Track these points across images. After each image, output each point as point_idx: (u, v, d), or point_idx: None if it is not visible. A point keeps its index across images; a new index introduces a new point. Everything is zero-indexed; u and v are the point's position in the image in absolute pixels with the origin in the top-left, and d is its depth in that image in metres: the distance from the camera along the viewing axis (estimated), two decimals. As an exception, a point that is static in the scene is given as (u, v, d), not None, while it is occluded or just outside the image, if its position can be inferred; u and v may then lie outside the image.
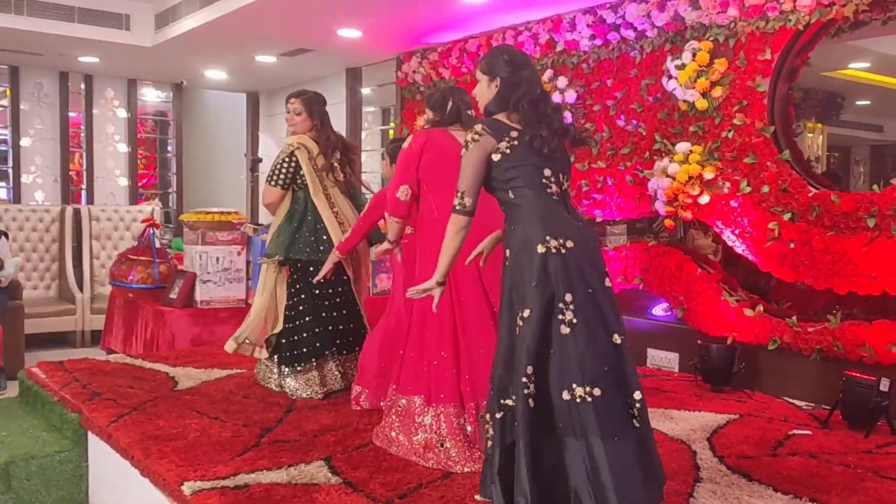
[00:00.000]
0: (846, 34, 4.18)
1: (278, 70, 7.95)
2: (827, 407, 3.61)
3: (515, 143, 2.39)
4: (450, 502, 2.57)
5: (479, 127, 2.41)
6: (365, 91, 7.97)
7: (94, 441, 3.49)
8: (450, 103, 3.21)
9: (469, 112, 3.22)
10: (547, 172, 2.39)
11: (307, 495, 2.60)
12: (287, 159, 3.86)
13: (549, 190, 2.39)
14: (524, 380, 2.23)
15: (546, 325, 2.25)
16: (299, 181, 3.88)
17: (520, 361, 2.25)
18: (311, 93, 4.01)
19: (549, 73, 5.33)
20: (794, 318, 3.99)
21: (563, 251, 2.28)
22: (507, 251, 2.40)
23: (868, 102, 9.07)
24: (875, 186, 3.72)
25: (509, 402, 2.27)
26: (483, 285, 3.01)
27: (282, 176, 3.86)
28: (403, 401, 3.09)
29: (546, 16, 5.38)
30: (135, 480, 2.99)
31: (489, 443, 2.35)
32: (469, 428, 2.96)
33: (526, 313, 2.26)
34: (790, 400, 3.96)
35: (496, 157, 2.39)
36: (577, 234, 2.33)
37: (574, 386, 2.21)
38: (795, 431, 3.39)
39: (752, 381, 4.15)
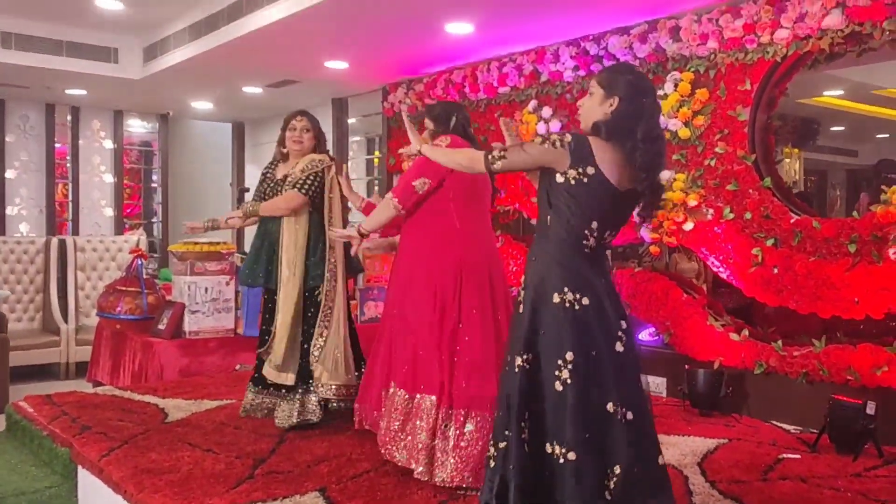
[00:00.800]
0: (822, 65, 4.30)
1: (264, 100, 8.01)
2: (814, 430, 3.66)
3: (584, 180, 2.19)
4: (446, 531, 2.58)
5: (569, 137, 2.20)
6: (350, 121, 8.04)
7: (84, 476, 3.46)
8: (453, 118, 3.21)
9: (472, 128, 3.24)
10: (594, 226, 2.22)
11: (304, 527, 2.60)
12: (320, 174, 3.82)
13: (584, 242, 2.22)
14: (522, 423, 2.19)
15: (545, 375, 2.18)
16: (317, 200, 3.84)
17: (517, 404, 2.20)
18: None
19: (533, 103, 5.43)
20: (780, 342, 4.06)
21: (577, 307, 2.18)
22: (524, 282, 2.29)
23: (842, 128, 9.29)
24: (855, 213, 3.81)
25: (505, 441, 2.23)
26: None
27: (313, 187, 3.80)
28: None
29: (530, 48, 5.49)
30: (127, 515, 2.98)
31: (492, 463, 2.28)
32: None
33: (528, 356, 2.20)
34: (778, 424, 4.01)
35: (559, 179, 2.21)
36: (594, 292, 2.20)
37: (555, 443, 2.16)
38: (785, 455, 3.44)
39: (740, 405, 4.21)
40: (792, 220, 4.02)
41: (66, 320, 7.27)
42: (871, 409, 3.43)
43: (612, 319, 2.21)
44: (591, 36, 5.03)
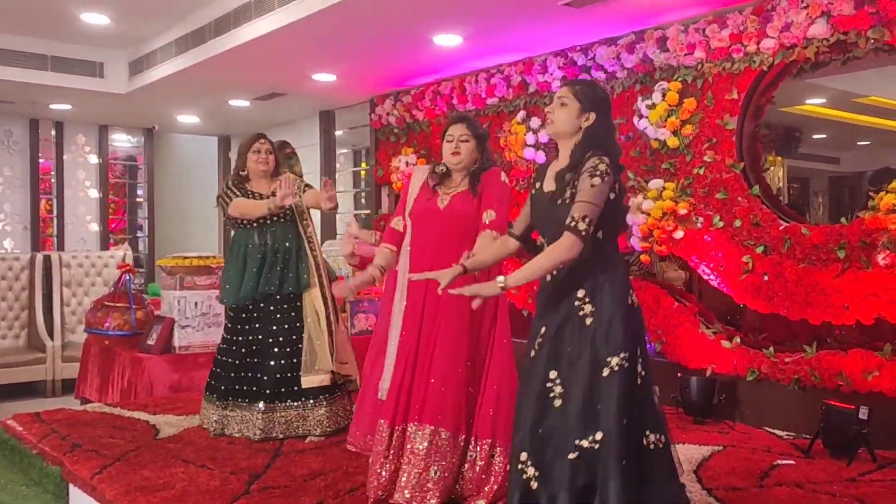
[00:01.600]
0: (807, 73, 4.36)
1: (251, 113, 8.00)
2: (807, 436, 3.68)
3: (620, 195, 2.34)
4: (446, 544, 2.57)
5: (607, 167, 2.24)
6: (338, 133, 8.05)
7: (76, 494, 3.42)
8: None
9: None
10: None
11: (302, 542, 2.58)
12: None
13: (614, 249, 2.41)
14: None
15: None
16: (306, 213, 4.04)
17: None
18: None
19: (521, 114, 5.45)
20: (772, 348, 4.08)
21: (636, 305, 2.35)
22: (596, 299, 2.28)
23: (825, 136, 9.39)
24: (843, 219, 3.85)
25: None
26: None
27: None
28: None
29: (518, 59, 5.52)
30: (121, 533, 2.94)
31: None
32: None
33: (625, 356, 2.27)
34: (771, 430, 4.03)
35: (612, 196, 2.28)
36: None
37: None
38: (780, 462, 3.45)
39: (733, 412, 4.22)
40: (781, 227, 4.06)
41: (51, 337, 7.18)
42: (863, 413, 3.45)
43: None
44: (579, 46, 5.07)
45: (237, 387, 3.90)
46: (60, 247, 8.44)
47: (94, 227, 8.69)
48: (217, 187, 9.70)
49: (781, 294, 3.98)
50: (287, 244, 3.95)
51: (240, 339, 3.94)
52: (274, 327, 3.90)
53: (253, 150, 4.00)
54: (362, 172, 8.65)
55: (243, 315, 3.95)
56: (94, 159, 8.73)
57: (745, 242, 4.17)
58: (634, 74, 4.78)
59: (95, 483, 3.21)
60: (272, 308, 3.91)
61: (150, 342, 5.23)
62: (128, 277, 5.75)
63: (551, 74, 5.25)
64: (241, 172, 4.06)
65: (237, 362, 3.92)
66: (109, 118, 8.59)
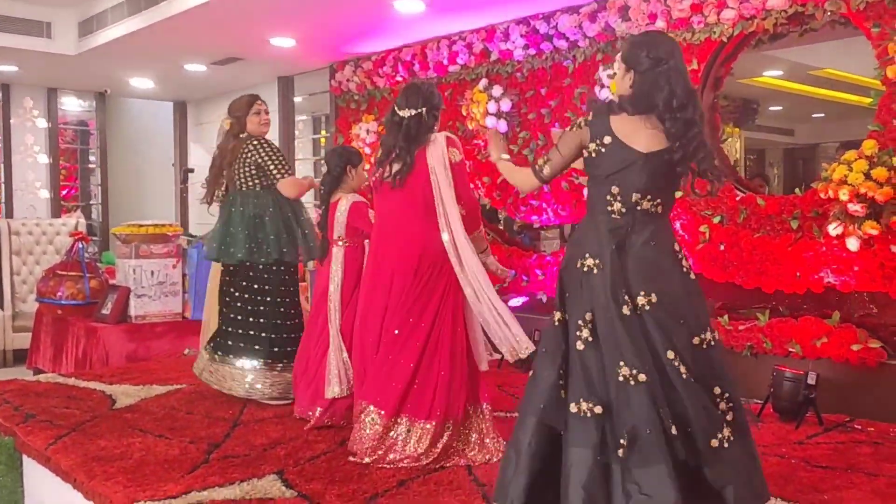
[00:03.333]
0: (765, 45, 4.41)
1: (208, 78, 7.80)
2: (758, 401, 3.78)
3: (602, 150, 2.28)
4: (407, 510, 2.59)
5: (588, 116, 2.32)
6: (297, 99, 7.90)
7: (30, 465, 3.37)
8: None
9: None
10: (615, 190, 2.27)
11: (263, 510, 2.58)
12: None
13: (608, 208, 2.28)
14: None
15: (571, 335, 2.29)
16: None
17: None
18: None
19: (483, 81, 5.42)
20: (726, 316, 4.17)
21: (584, 270, 2.29)
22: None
23: (780, 108, 9.55)
24: (797, 190, 3.93)
25: None
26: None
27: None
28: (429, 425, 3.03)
29: (480, 26, 5.47)
30: (77, 504, 2.90)
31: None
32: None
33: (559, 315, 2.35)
34: (724, 395, 4.13)
35: (585, 154, 2.34)
36: (601, 257, 2.27)
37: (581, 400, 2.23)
38: (731, 425, 3.54)
39: (688, 379, 4.31)
40: (737, 198, 4.12)
41: (1, 306, 7.01)
42: (812, 378, 3.56)
43: (617, 285, 2.24)
44: (541, 14, 5.04)
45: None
46: (9, 214, 8.18)
47: (45, 193, 8.42)
48: (174, 154, 9.48)
49: (737, 263, 4.06)
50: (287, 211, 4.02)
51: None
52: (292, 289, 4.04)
53: (254, 112, 3.96)
54: (322, 140, 8.54)
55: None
56: (42, 123, 8.42)
57: (703, 213, 4.23)
58: (596, 43, 4.77)
59: (50, 454, 3.16)
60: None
61: (105, 311, 5.14)
62: (81, 246, 5.62)
63: (513, 42, 5.21)
64: (239, 134, 3.97)
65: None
66: (58, 81, 8.30)
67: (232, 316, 3.95)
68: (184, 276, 5.30)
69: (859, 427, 3.54)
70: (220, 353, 3.93)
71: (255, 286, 3.90)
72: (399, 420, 3.02)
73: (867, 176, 3.43)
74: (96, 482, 2.83)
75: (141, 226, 5.21)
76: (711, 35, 4.21)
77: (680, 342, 2.24)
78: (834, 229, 3.57)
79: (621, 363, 2.19)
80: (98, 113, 9.05)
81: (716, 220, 4.16)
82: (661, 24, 4.38)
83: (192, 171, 7.52)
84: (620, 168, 2.28)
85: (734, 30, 4.11)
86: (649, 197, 2.29)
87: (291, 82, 7.71)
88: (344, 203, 3.63)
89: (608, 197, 2.29)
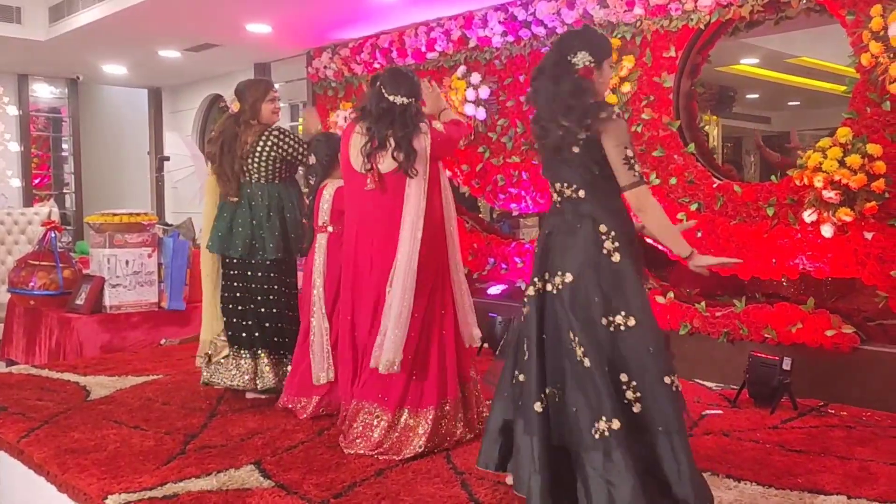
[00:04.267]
0: (742, 33, 4.41)
1: (183, 65, 7.70)
2: (735, 387, 3.81)
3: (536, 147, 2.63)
4: (385, 498, 2.58)
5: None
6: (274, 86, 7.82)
7: (2, 458, 3.30)
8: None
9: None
10: (551, 182, 2.54)
11: (240, 501, 2.56)
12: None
13: (553, 198, 2.54)
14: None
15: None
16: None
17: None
18: None
19: (462, 69, 5.39)
20: (703, 303, 4.20)
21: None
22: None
23: (757, 96, 9.61)
24: (773, 177, 3.95)
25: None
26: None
27: None
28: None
29: (458, 12, 5.43)
30: (51, 498, 2.86)
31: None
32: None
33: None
34: (701, 382, 4.16)
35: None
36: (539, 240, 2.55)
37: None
38: (708, 412, 3.58)
39: (665, 365, 4.34)
40: (715, 185, 4.14)
41: (-28, 297, 6.89)
42: (787, 364, 3.59)
43: (538, 265, 2.50)
44: (520, 1, 5.01)
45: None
46: (-21, 203, 8.04)
47: (16, 182, 8.28)
48: (149, 142, 9.35)
49: (714, 250, 4.08)
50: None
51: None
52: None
53: (268, 100, 3.72)
54: (300, 128, 8.47)
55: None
56: (13, 111, 8.27)
57: (680, 200, 4.25)
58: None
59: (23, 446, 3.12)
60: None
61: (79, 302, 5.07)
62: (53, 235, 5.52)
63: (491, 29, 5.19)
64: (250, 121, 3.71)
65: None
66: (29, 67, 8.15)
67: (237, 308, 3.81)
68: (159, 265, 5.23)
69: (833, 411, 3.59)
70: (235, 346, 3.81)
71: (258, 279, 3.78)
72: (401, 412, 3.01)
73: (841, 163, 3.46)
74: (70, 475, 2.79)
75: (115, 214, 5.13)
76: (689, 22, 4.21)
77: (586, 324, 2.32)
78: (809, 216, 3.61)
79: (525, 339, 2.44)
80: (70, 100, 8.90)
81: (693, 207, 4.18)
82: (639, 10, 4.38)
83: (167, 159, 7.43)
84: (547, 162, 2.53)
85: (711, 17, 4.12)
86: (566, 184, 2.45)
87: (268, 69, 7.63)
88: (329, 188, 3.59)
89: (551, 189, 2.54)
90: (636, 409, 2.28)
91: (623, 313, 2.32)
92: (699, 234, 4.13)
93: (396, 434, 2.98)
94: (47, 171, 9.19)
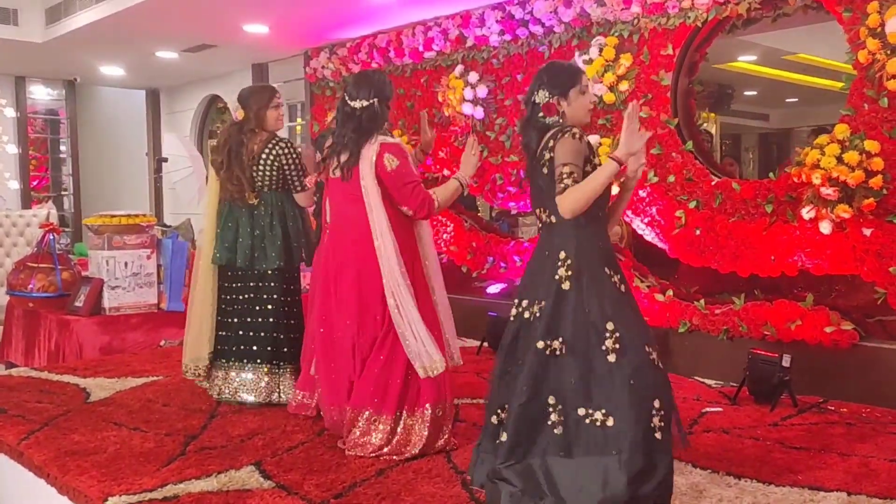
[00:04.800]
0: (739, 30, 4.41)
1: (180, 66, 7.70)
2: (734, 384, 3.82)
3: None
4: (385, 498, 2.58)
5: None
6: (272, 87, 7.82)
7: (2, 461, 3.30)
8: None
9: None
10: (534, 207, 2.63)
11: (240, 502, 2.56)
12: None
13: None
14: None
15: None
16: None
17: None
18: None
19: (459, 68, 5.39)
20: (702, 301, 4.20)
21: None
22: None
23: (755, 93, 9.61)
24: (771, 174, 3.95)
25: None
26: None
27: None
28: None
29: (455, 11, 5.43)
30: (51, 500, 2.86)
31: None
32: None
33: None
34: (701, 379, 4.16)
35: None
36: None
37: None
38: (708, 409, 3.58)
39: (665, 363, 4.27)
40: (713, 183, 4.14)
41: (-29, 300, 6.88)
42: (786, 361, 3.59)
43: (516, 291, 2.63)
44: (517, 0, 5.01)
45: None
46: (-22, 205, 8.04)
47: (14, 184, 8.29)
48: (147, 143, 9.34)
49: (713, 248, 4.09)
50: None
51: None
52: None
53: (273, 106, 3.71)
54: (298, 128, 8.46)
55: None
56: (10, 113, 8.28)
57: (679, 198, 4.25)
58: (572, 29, 4.76)
59: (23, 449, 3.11)
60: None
61: (78, 304, 5.07)
62: (52, 237, 5.52)
63: (489, 28, 5.19)
64: (255, 129, 3.70)
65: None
66: (26, 69, 8.15)
67: (233, 321, 3.77)
68: (158, 266, 5.22)
69: (833, 408, 3.59)
70: (225, 359, 3.77)
71: (259, 289, 3.75)
72: (400, 414, 3.00)
73: (839, 160, 3.46)
74: (70, 477, 2.79)
75: (113, 216, 5.12)
76: (686, 20, 4.21)
77: (528, 346, 2.43)
78: (807, 213, 3.61)
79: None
80: (68, 101, 8.90)
81: (691, 205, 4.18)
82: (636, 8, 4.38)
83: (165, 160, 7.42)
84: (532, 191, 2.59)
85: (708, 15, 4.12)
86: (542, 210, 2.54)
87: (266, 69, 7.63)
88: None
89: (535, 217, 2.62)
90: (557, 431, 2.36)
91: (560, 339, 2.38)
92: (697, 232, 4.13)
93: (397, 438, 2.98)
94: (45, 172, 9.19)
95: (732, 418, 3.45)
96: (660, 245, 4.43)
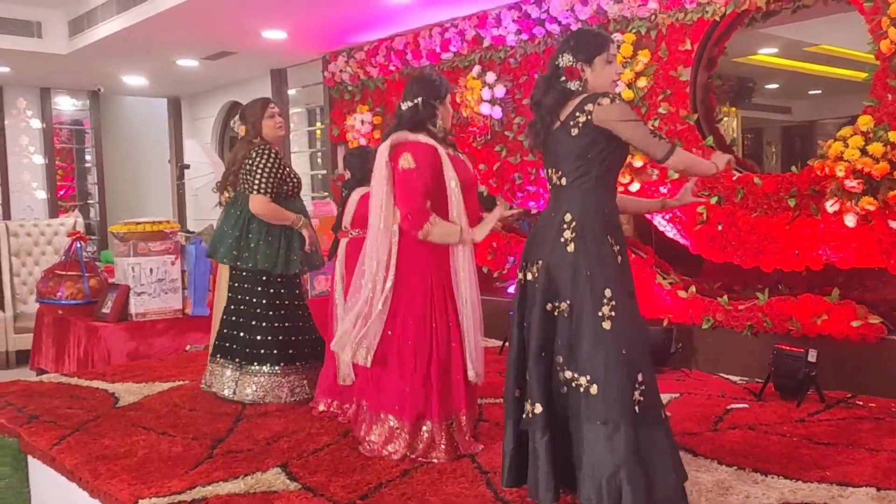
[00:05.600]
0: (759, 23, 4.38)
1: (201, 74, 7.78)
2: (759, 380, 3.79)
3: None
4: (410, 499, 2.59)
5: None
6: (291, 92, 7.89)
7: (35, 465, 3.37)
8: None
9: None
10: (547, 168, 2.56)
11: (267, 504, 2.59)
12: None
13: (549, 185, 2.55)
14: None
15: None
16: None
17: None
18: None
19: (477, 68, 5.39)
20: (726, 297, 4.17)
21: None
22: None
23: (777, 86, 9.50)
24: (794, 168, 3.91)
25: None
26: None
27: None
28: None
29: (472, 12, 5.44)
30: (83, 503, 2.91)
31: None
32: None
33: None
34: (725, 375, 4.14)
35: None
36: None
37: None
38: (733, 406, 3.55)
39: (689, 360, 4.32)
40: (734, 178, 4.11)
41: (2, 308, 7.01)
42: (812, 356, 3.56)
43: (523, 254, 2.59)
44: (533, -1, 5.02)
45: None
46: (7, 215, 8.19)
47: (42, 194, 8.43)
48: (169, 151, 9.46)
49: (735, 243, 4.06)
50: None
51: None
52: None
53: (268, 116, 3.84)
54: (317, 132, 8.52)
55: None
56: (36, 124, 8.43)
57: (700, 193, 4.21)
58: (588, 26, 4.74)
59: (55, 454, 3.17)
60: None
61: (106, 310, 5.14)
62: (79, 245, 5.61)
63: (506, 28, 5.19)
64: (252, 140, 3.85)
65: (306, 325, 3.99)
66: (51, 80, 8.28)
67: (233, 320, 3.94)
68: (183, 272, 5.29)
69: (861, 403, 3.55)
70: (220, 356, 3.97)
71: (247, 290, 3.90)
72: (423, 423, 2.99)
73: (863, 152, 3.43)
74: (101, 481, 2.83)
75: (138, 223, 5.20)
76: (704, 14, 4.19)
77: (536, 308, 2.41)
78: (831, 206, 3.57)
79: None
80: (92, 111, 9.04)
81: (713, 200, 4.15)
82: (653, 4, 4.36)
83: (188, 167, 7.49)
84: (547, 148, 2.53)
85: (727, 9, 4.09)
86: (554, 169, 2.49)
87: (285, 74, 7.69)
88: (354, 195, 3.64)
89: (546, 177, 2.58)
90: (563, 390, 2.35)
91: (567, 301, 2.36)
92: (720, 227, 4.11)
93: (421, 445, 2.98)
94: (71, 182, 9.33)
95: (758, 415, 3.43)
96: (682, 241, 4.41)
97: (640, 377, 2.29)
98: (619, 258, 2.41)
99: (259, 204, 3.75)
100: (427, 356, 2.98)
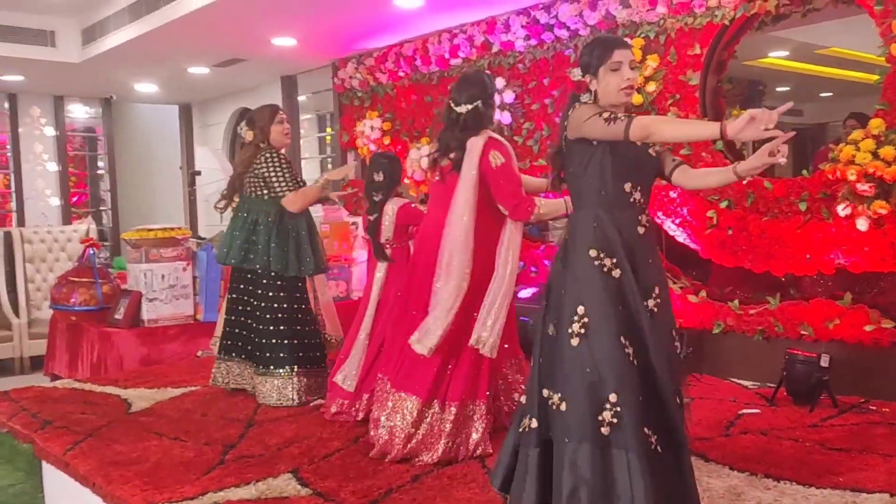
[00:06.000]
0: (768, 26, 4.37)
1: (211, 81, 7.83)
2: (771, 385, 3.77)
3: None
4: (421, 505, 2.60)
5: None
6: (301, 98, 7.93)
7: (49, 471, 3.40)
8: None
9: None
10: None
11: (279, 509, 2.60)
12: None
13: None
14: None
15: None
16: None
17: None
18: None
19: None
20: (737, 301, 4.16)
21: None
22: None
23: (787, 88, 9.46)
24: (804, 171, 3.90)
25: None
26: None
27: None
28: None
29: (480, 18, 5.45)
30: (97, 508, 2.94)
31: None
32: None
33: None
34: (736, 380, 4.12)
35: None
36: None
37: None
38: (745, 411, 3.54)
39: (700, 365, 4.30)
40: (744, 182, 4.09)
41: (17, 314, 7.08)
42: (824, 361, 3.54)
43: None
44: (541, 4, 5.02)
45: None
46: (21, 222, 8.26)
47: (55, 201, 8.50)
48: (181, 157, 9.52)
49: (746, 247, 4.04)
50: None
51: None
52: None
53: (277, 122, 3.94)
54: (327, 138, 8.56)
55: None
56: (50, 131, 8.50)
57: (710, 198, 4.21)
58: (597, 32, 4.75)
59: (68, 459, 3.19)
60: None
61: (118, 316, 5.18)
62: (92, 252, 5.66)
63: (514, 33, 5.20)
64: (260, 145, 3.93)
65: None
66: (64, 88, 8.36)
67: (241, 321, 4.05)
68: (194, 278, 5.32)
69: (874, 408, 3.53)
70: (225, 353, 4.14)
71: (254, 292, 3.98)
72: (432, 404, 3.05)
73: (875, 155, 3.41)
74: (114, 486, 2.85)
75: (150, 230, 5.23)
76: (713, 19, 4.18)
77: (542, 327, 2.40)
78: (843, 210, 3.55)
79: None
80: (105, 119, 9.11)
81: (723, 204, 4.14)
82: (661, 9, 4.36)
83: (199, 173, 7.55)
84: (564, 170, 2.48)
85: (736, 13, 4.09)
86: (567, 186, 2.48)
87: (295, 81, 7.73)
88: (392, 205, 3.67)
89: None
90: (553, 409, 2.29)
91: (554, 322, 2.33)
92: (730, 232, 4.09)
93: (426, 426, 3.02)
94: (84, 189, 9.40)
95: (770, 420, 3.41)
96: (692, 246, 4.40)
97: (612, 398, 2.15)
98: (615, 272, 2.25)
99: (291, 200, 3.86)
100: (462, 343, 3.05)
